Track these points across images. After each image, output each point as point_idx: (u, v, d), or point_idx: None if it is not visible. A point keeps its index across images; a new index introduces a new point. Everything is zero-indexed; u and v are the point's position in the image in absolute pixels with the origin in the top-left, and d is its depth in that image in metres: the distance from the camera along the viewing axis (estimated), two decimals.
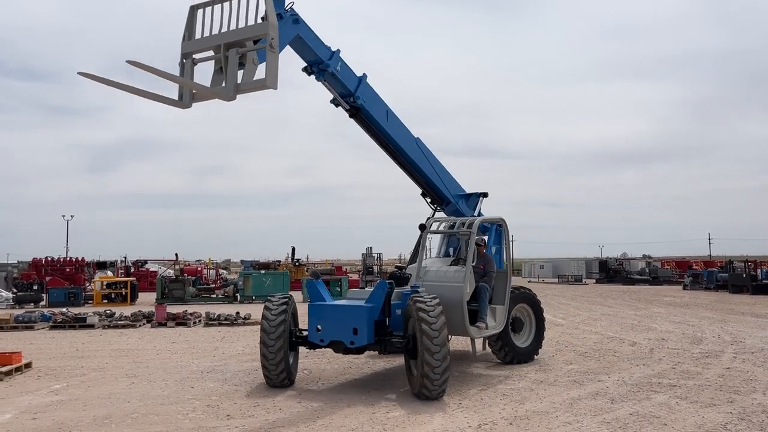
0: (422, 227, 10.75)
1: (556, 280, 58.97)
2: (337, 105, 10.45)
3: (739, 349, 13.18)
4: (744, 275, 35.18)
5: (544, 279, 63.02)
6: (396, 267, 10.54)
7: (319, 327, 9.26)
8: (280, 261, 41.45)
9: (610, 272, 53.79)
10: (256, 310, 22.55)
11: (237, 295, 29.74)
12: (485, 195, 12.27)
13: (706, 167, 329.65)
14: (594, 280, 55.53)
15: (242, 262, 42.86)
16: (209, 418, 7.68)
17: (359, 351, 9.26)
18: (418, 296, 8.76)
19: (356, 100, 10.37)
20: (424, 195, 12.43)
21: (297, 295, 31.06)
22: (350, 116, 10.52)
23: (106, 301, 28.16)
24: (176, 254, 38.55)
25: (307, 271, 38.85)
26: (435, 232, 11.20)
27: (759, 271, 35.24)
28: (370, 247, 34.56)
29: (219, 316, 19.51)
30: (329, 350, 9.75)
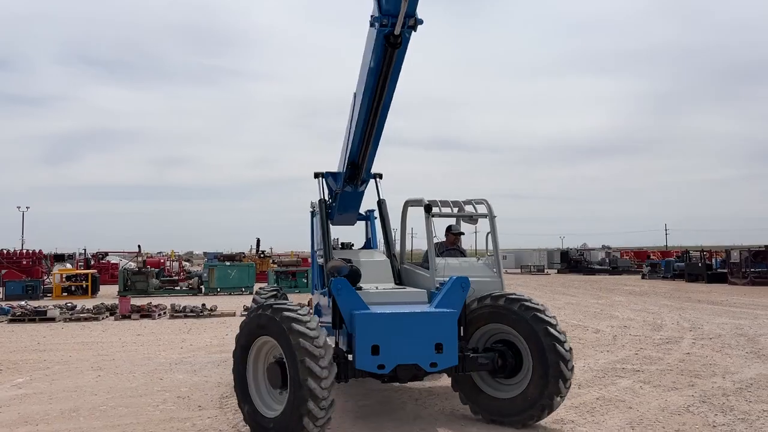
0: (428, 209, 7.65)
1: (519, 270, 59.83)
2: (382, 23, 6.41)
3: (697, 335, 13.63)
4: (700, 264, 36.38)
5: (507, 269, 63.82)
6: (342, 259, 7.50)
7: (377, 347, 6.11)
8: (244, 253, 41.05)
9: (572, 262, 54.82)
10: (221, 302, 22.33)
11: (201, 287, 29.39)
12: (380, 176, 9.30)
13: (664, 160, 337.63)
14: (556, 271, 56.53)
15: (206, 254, 42.40)
16: (180, 409, 7.61)
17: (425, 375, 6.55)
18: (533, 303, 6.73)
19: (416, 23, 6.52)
20: (346, 173, 8.06)
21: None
22: (389, 46, 6.58)
23: (65, 294, 27.50)
24: (139, 246, 37.82)
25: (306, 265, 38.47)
26: (442, 215, 7.95)
27: (714, 260, 36.43)
28: (337, 238, 34.44)
29: (185, 308, 19.25)
30: None
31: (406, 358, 6.18)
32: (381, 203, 8.85)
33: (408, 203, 8.22)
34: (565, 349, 6.46)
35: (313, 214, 9.09)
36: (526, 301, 6.75)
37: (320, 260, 8.20)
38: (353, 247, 8.98)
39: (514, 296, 6.84)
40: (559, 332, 6.57)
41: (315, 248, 9.04)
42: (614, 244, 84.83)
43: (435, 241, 7.76)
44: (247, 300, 20.40)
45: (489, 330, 6.97)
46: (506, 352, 6.77)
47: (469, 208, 7.87)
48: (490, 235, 7.72)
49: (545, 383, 6.39)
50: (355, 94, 7.37)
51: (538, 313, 6.61)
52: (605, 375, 9.36)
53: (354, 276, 6.93)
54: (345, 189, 8.02)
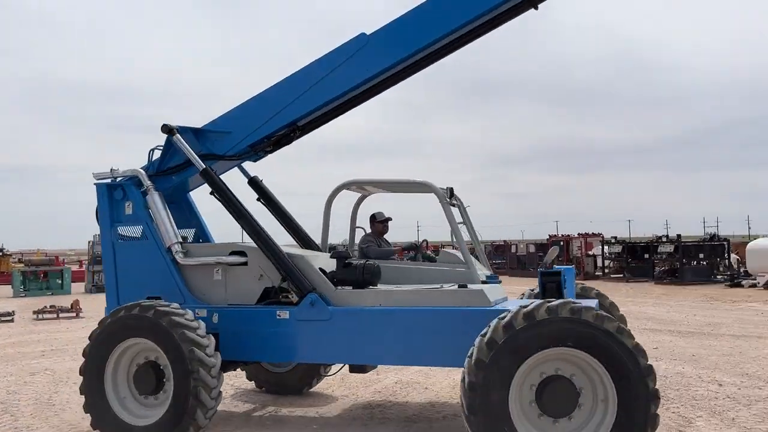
0: (452, 193, 6.47)
1: None
2: None
3: None
4: None
5: None
6: (341, 245, 6.87)
7: None
8: None
9: None
10: None
11: None
12: None
13: (413, 162, 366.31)
14: None
15: None
16: None
17: None
18: None
19: None
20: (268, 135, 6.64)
21: (5, 290, 27.18)
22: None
23: None
24: None
25: (11, 262, 33.68)
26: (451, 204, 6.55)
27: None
28: (97, 234, 31.42)
29: None
30: None
31: None
32: (256, 180, 7.43)
33: (343, 187, 6.85)
34: None
35: (143, 190, 6.52)
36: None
37: (183, 258, 6.29)
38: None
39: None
40: None
41: (165, 240, 6.37)
42: None
43: (360, 232, 7.37)
44: None
45: None
46: None
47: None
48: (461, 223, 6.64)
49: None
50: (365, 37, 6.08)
51: None
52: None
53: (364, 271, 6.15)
54: (241, 157, 6.64)
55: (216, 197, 6.53)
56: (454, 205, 6.56)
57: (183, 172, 6.65)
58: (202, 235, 7.30)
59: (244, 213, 6.40)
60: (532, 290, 6.95)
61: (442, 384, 8.34)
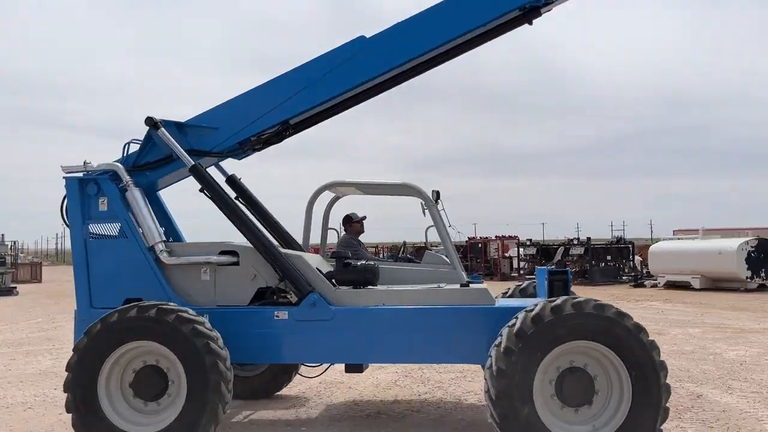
0: (438, 196, 6.58)
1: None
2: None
3: None
4: None
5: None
6: (339, 250, 6.64)
7: None
8: None
9: None
10: None
11: None
12: None
13: (337, 164, 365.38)
14: None
15: None
16: None
17: None
18: None
19: None
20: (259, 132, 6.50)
21: None
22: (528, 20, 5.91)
23: None
24: None
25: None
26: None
27: None
28: (3, 234, 29.94)
29: None
30: None
31: None
32: (235, 179, 7.16)
33: (326, 188, 6.81)
34: None
35: (122, 186, 6.16)
36: None
37: (168, 258, 6.01)
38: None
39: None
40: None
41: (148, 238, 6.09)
42: None
43: (337, 235, 7.18)
44: None
45: None
46: None
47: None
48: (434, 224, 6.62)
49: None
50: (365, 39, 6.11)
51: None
52: None
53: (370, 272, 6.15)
54: (227, 155, 6.46)
55: (206, 195, 6.23)
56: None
57: (162, 168, 6.34)
58: (173, 234, 6.88)
59: (238, 212, 6.20)
60: (519, 286, 7.18)
61: (365, 383, 8.51)
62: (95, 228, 6.17)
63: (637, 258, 31.77)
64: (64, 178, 6.24)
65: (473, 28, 5.91)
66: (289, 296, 6.14)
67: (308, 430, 6.41)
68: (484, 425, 5.73)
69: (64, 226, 6.27)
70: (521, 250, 34.77)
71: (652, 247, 28.39)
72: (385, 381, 8.67)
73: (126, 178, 6.14)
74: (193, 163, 6.13)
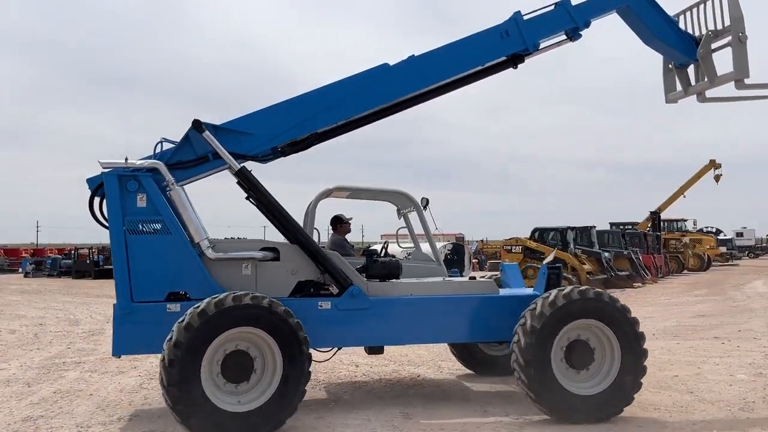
0: (427, 202, 7.94)
1: None
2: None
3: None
4: (88, 261, 36.70)
5: None
6: (371, 248, 7.86)
7: None
8: None
9: None
10: None
11: None
12: None
13: (32, 155, 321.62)
14: None
15: None
16: None
17: None
18: None
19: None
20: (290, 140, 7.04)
21: None
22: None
23: None
24: None
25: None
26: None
27: (99, 257, 37.42)
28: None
29: None
30: None
31: None
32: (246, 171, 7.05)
33: (328, 192, 7.56)
34: None
35: (164, 184, 6.32)
36: None
37: (213, 253, 6.27)
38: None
39: None
40: None
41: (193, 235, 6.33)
42: None
43: (327, 236, 7.93)
44: None
45: None
46: None
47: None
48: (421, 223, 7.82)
49: None
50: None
51: None
52: (49, 371, 8.95)
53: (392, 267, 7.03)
54: (261, 159, 6.87)
55: (251, 200, 6.58)
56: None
57: (195, 167, 6.53)
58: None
59: (285, 213, 6.53)
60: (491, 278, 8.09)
61: (108, 389, 7.79)
62: (135, 224, 6.16)
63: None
64: (103, 173, 6.21)
65: (470, 68, 7.03)
66: (330, 288, 6.66)
67: (335, 407, 6.79)
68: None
69: (96, 223, 6.32)
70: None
71: None
72: (129, 384, 8.00)
73: (168, 177, 6.25)
74: (239, 167, 6.44)
